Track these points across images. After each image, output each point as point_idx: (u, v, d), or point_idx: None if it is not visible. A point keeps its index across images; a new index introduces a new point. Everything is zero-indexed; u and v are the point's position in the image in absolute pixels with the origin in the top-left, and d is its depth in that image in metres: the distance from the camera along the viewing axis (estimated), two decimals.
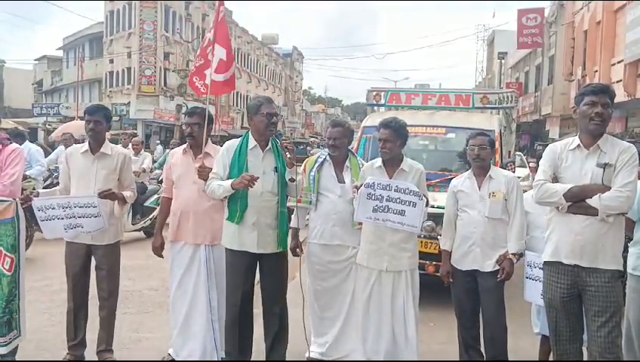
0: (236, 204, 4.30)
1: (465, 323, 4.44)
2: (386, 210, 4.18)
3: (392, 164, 4.40)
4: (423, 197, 4.16)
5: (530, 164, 16.47)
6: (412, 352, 4.33)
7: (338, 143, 4.73)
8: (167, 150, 13.63)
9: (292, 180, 4.32)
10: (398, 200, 4.16)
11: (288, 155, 4.31)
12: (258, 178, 4.18)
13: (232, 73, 4.85)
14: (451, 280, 4.44)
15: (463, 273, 4.35)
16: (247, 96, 50.09)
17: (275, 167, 4.37)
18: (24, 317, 4.10)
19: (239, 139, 4.49)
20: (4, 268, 3.98)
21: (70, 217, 4.34)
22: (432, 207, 5.89)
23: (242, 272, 4.37)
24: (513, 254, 4.22)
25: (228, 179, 4.30)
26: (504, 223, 4.28)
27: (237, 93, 48.00)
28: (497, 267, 4.23)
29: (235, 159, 4.34)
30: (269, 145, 4.42)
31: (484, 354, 4.40)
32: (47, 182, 10.17)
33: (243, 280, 4.37)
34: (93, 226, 4.38)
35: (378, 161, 4.46)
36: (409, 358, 4.33)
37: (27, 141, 10.47)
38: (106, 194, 4.38)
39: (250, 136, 4.43)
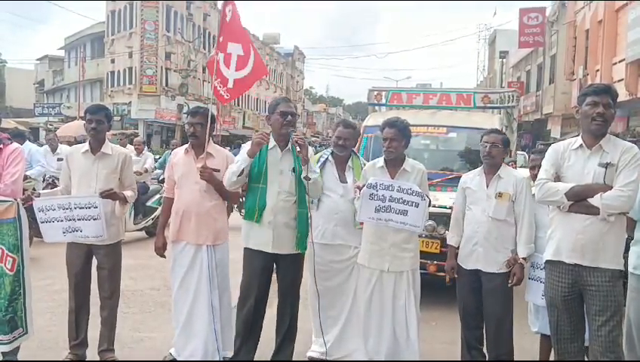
0: (254, 202, 4.35)
1: (469, 323, 4.43)
2: (389, 210, 4.18)
3: (394, 164, 4.40)
4: (426, 198, 4.15)
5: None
6: (413, 352, 4.33)
7: (348, 144, 4.75)
8: (168, 150, 13.56)
9: (307, 178, 4.26)
10: (400, 201, 4.16)
11: (298, 150, 4.27)
12: (269, 133, 4.31)
13: (253, 62, 4.82)
14: (456, 275, 4.42)
15: (468, 272, 4.34)
16: (248, 95, 50.07)
17: (294, 168, 4.37)
18: (31, 315, 4.13)
19: None
20: (6, 268, 3.99)
21: (69, 220, 4.33)
22: (434, 206, 5.90)
23: (258, 272, 4.40)
24: (523, 258, 4.19)
25: (249, 177, 4.38)
26: (509, 225, 4.25)
27: None
28: (502, 269, 4.22)
29: (255, 159, 4.36)
30: (289, 145, 4.42)
31: (487, 355, 4.40)
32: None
33: (258, 280, 4.40)
34: (92, 231, 4.36)
35: (380, 161, 4.46)
36: (410, 358, 4.33)
37: (27, 141, 10.46)
38: (107, 194, 4.39)
39: (271, 136, 4.44)
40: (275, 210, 4.33)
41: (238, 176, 4.30)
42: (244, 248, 4.45)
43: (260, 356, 4.52)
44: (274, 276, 4.53)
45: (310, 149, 4.46)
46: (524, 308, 4.72)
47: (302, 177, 4.29)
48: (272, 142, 4.41)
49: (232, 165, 4.36)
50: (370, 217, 4.24)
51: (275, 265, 4.47)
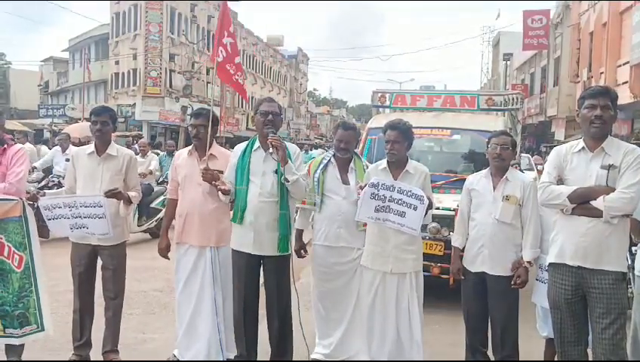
0: (237, 204, 4.36)
1: (473, 325, 4.42)
2: (387, 210, 4.18)
3: (397, 165, 4.40)
4: (425, 201, 4.13)
5: (539, 167, 16.23)
6: (418, 354, 4.33)
7: (349, 146, 4.76)
8: (163, 153, 13.57)
9: (286, 180, 4.26)
10: (400, 202, 4.16)
11: (271, 152, 4.27)
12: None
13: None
14: (463, 277, 4.42)
15: (474, 274, 4.33)
16: (252, 97, 50.08)
17: (276, 169, 4.34)
18: (47, 312, 4.21)
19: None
20: (14, 265, 4.08)
21: (76, 217, 4.38)
22: (438, 208, 5.89)
23: (243, 273, 4.39)
24: (528, 262, 4.18)
25: (234, 180, 4.39)
26: (514, 228, 4.23)
27: None
28: (508, 273, 4.21)
29: (239, 161, 4.39)
30: None
31: (492, 357, 4.39)
32: (42, 183, 10.15)
33: (244, 280, 4.39)
34: (98, 229, 4.40)
35: (383, 163, 4.47)
36: (415, 359, 4.32)
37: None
38: (112, 194, 4.40)
39: (257, 138, 4.45)
40: (256, 211, 4.31)
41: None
42: (232, 249, 4.46)
43: (262, 357, 4.53)
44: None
45: (294, 147, 4.46)
46: (530, 311, 4.72)
47: (282, 179, 4.28)
48: (257, 144, 4.42)
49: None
50: (370, 216, 4.25)
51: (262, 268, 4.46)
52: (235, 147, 4.59)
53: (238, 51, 5.01)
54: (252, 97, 49.90)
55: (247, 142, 4.52)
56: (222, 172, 4.49)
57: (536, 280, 4.33)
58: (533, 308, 4.66)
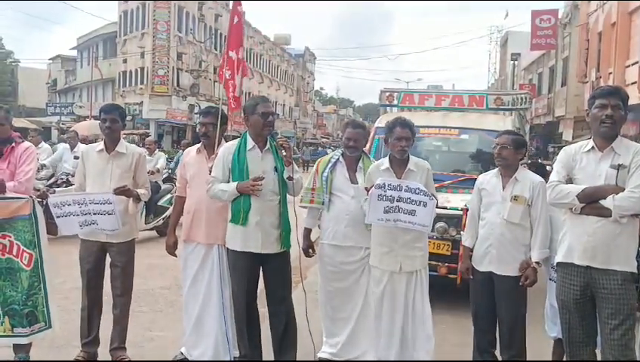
0: (239, 204, 4.28)
1: (481, 325, 4.40)
2: (397, 210, 4.15)
3: (399, 164, 4.37)
4: (433, 197, 4.14)
5: (547, 168, 16.13)
6: (429, 344, 4.35)
7: (358, 145, 4.73)
8: (180, 151, 13.63)
9: (290, 178, 4.28)
10: (408, 201, 4.13)
11: (284, 153, 4.30)
12: (263, 178, 4.19)
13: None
14: (471, 276, 4.40)
15: (482, 274, 4.32)
16: (251, 94, 50.19)
17: (275, 167, 4.34)
18: (54, 309, 4.23)
19: (236, 140, 4.47)
20: (23, 263, 4.08)
21: (85, 214, 4.38)
22: (445, 208, 5.88)
23: (245, 272, 4.35)
24: (536, 262, 4.16)
25: (229, 182, 4.33)
26: (523, 228, 4.21)
27: (249, 93, 47.99)
28: (516, 273, 4.19)
29: (235, 161, 4.32)
30: (267, 144, 4.39)
31: (501, 357, 4.38)
32: (51, 180, 10.21)
33: (247, 280, 4.36)
34: (108, 225, 4.40)
35: (385, 163, 4.42)
36: (425, 357, 4.32)
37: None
38: (120, 191, 4.41)
39: (248, 137, 4.40)
40: (262, 211, 4.28)
41: (224, 200, 4.32)
42: (230, 250, 4.39)
43: (266, 357, 4.52)
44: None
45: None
46: (538, 311, 4.70)
47: (285, 178, 4.29)
48: (250, 143, 4.36)
49: (223, 190, 4.29)
50: (379, 218, 4.21)
51: (261, 267, 4.42)
52: (224, 145, 4.51)
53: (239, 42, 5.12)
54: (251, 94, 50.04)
55: (237, 142, 4.43)
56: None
57: (550, 279, 4.31)
58: (542, 308, 4.65)
